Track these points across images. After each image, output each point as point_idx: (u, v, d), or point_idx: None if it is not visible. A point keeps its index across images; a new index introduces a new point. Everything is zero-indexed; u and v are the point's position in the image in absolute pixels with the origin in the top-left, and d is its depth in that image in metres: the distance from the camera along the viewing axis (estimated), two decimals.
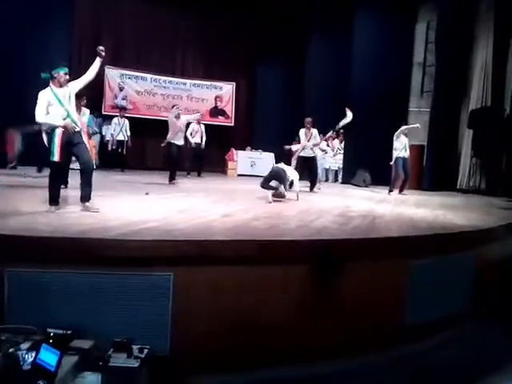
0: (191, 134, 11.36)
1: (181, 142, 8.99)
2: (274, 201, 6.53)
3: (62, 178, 4.78)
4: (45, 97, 4.45)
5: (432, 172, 10.71)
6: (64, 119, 4.47)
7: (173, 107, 9.38)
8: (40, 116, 4.45)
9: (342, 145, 13.24)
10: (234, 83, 15.14)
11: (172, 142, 8.65)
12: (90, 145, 7.50)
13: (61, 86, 4.51)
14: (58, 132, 4.44)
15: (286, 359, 3.50)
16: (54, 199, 4.53)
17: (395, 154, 9.20)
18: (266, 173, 7.34)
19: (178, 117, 8.77)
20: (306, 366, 3.50)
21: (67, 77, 4.55)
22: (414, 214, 6.07)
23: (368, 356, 3.70)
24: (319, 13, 12.85)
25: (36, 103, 4.43)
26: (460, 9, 10.23)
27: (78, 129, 4.56)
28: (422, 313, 4.09)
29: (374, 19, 11.42)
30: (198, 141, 11.52)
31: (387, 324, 3.93)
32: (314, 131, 9.00)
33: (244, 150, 14.40)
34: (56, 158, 4.43)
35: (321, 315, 3.66)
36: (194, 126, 11.48)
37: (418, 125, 9.62)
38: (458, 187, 10.42)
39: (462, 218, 5.74)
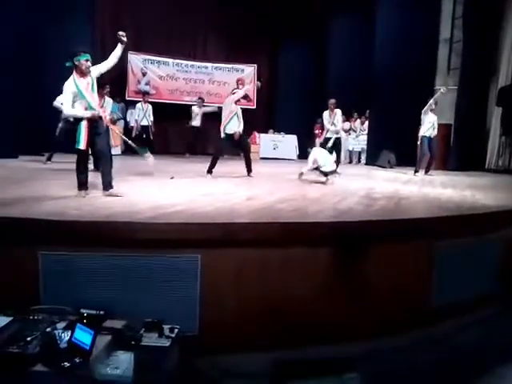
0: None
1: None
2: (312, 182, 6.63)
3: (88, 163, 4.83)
4: (70, 88, 4.50)
5: (459, 152, 10.47)
6: (86, 109, 4.54)
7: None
8: (68, 109, 4.55)
9: (365, 126, 13.07)
10: (256, 65, 15.02)
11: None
12: (115, 131, 7.64)
13: (83, 74, 4.54)
14: (84, 122, 4.51)
15: (312, 339, 3.54)
16: (83, 184, 4.64)
17: (421, 132, 8.99)
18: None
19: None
20: (331, 346, 3.53)
21: (89, 64, 4.56)
22: (441, 194, 5.98)
23: (393, 338, 3.71)
24: None
25: (59, 92, 4.50)
26: None
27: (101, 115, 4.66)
28: (447, 295, 4.05)
29: None
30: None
31: (412, 306, 3.93)
32: (338, 112, 8.72)
33: (266, 132, 14.36)
34: (82, 146, 4.52)
35: (346, 297, 3.68)
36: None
37: (443, 88, 9.15)
38: (486, 167, 10.19)
39: (490, 198, 5.63)
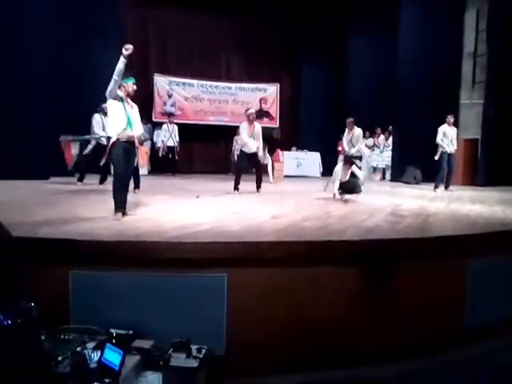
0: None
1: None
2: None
3: (128, 183, 4.87)
4: (116, 110, 4.60)
5: (487, 166, 10.25)
6: (125, 129, 4.61)
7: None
8: (112, 130, 4.63)
9: (389, 141, 12.96)
10: (278, 84, 15.18)
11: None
12: (142, 151, 7.81)
13: (128, 96, 4.69)
14: (120, 142, 4.57)
15: (338, 361, 3.48)
16: (120, 206, 4.58)
17: (440, 148, 8.97)
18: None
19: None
20: (358, 368, 3.46)
21: (135, 87, 4.74)
22: (470, 210, 5.85)
23: (423, 359, 3.61)
24: (362, 6, 12.61)
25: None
26: None
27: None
28: (482, 314, 3.93)
29: (419, 10, 11.07)
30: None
31: (443, 326, 3.82)
32: (357, 132, 8.41)
33: (289, 150, 14.39)
34: (120, 165, 4.55)
35: (374, 317, 3.61)
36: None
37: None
38: None
39: None
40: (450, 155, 8.97)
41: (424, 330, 3.71)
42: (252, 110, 8.38)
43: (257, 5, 13.52)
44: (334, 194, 6.95)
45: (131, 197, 5.16)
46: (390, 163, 12.70)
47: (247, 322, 3.39)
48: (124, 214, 4.61)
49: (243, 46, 14.52)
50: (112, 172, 4.98)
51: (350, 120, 8.49)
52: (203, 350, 2.88)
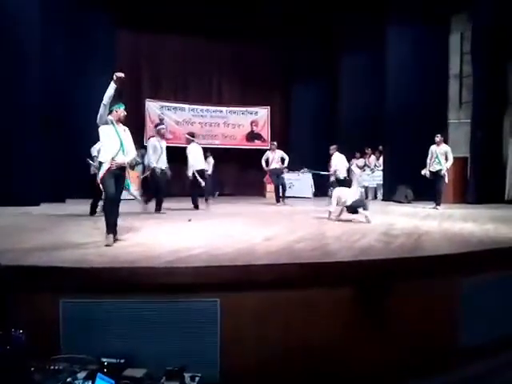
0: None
1: None
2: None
3: (118, 206, 4.82)
4: (108, 134, 4.64)
5: (477, 184, 10.34)
6: (117, 153, 4.62)
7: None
8: (105, 155, 4.63)
9: (380, 161, 13.07)
10: (269, 107, 15.33)
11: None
12: (134, 175, 7.82)
13: (119, 121, 4.75)
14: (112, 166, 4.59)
15: (335, 383, 3.43)
16: (111, 228, 4.57)
17: (426, 167, 9.16)
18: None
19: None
20: None
21: (125, 113, 4.81)
22: (462, 228, 5.88)
23: (420, 380, 3.56)
24: (350, 29, 12.90)
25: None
26: (495, 18, 10.01)
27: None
28: (477, 333, 3.90)
29: (406, 33, 11.35)
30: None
31: (438, 346, 3.79)
32: (334, 156, 9.73)
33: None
34: (111, 190, 4.58)
35: (369, 338, 3.57)
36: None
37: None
38: (505, 199, 10.01)
39: None
40: (435, 174, 9.05)
41: (419, 351, 3.68)
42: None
43: (247, 29, 13.76)
44: (330, 213, 7.04)
45: (124, 222, 5.13)
46: (381, 182, 12.78)
47: (241, 347, 3.33)
48: (115, 238, 4.58)
49: (234, 70, 14.74)
50: (103, 196, 4.96)
51: (331, 147, 9.71)
52: (197, 378, 2.84)
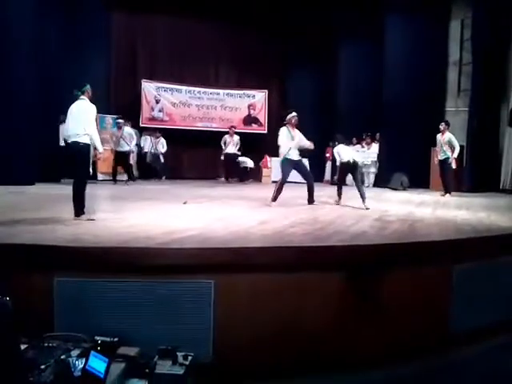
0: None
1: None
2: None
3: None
4: (93, 113, 4.90)
5: (473, 173, 10.36)
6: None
7: None
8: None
9: (372, 148, 12.93)
10: (267, 91, 15.20)
11: None
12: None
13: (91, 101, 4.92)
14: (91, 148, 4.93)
15: (327, 367, 3.48)
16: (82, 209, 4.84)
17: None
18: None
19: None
20: (345, 373, 3.46)
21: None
22: (456, 216, 5.91)
23: (409, 364, 3.62)
24: (349, 16, 12.75)
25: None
26: (496, 5, 9.92)
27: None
28: (467, 319, 3.96)
29: (405, 20, 11.24)
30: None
31: (430, 331, 3.84)
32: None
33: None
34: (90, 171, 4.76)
35: (360, 322, 3.62)
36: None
37: None
38: (501, 187, 10.06)
39: (506, 219, 5.55)
40: (440, 162, 9.12)
41: (411, 335, 3.73)
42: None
43: (246, 12, 13.59)
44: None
45: (118, 202, 5.12)
46: (375, 159, 12.66)
47: (234, 328, 3.37)
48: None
49: (232, 52, 14.56)
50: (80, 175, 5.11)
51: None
52: (189, 357, 2.86)
